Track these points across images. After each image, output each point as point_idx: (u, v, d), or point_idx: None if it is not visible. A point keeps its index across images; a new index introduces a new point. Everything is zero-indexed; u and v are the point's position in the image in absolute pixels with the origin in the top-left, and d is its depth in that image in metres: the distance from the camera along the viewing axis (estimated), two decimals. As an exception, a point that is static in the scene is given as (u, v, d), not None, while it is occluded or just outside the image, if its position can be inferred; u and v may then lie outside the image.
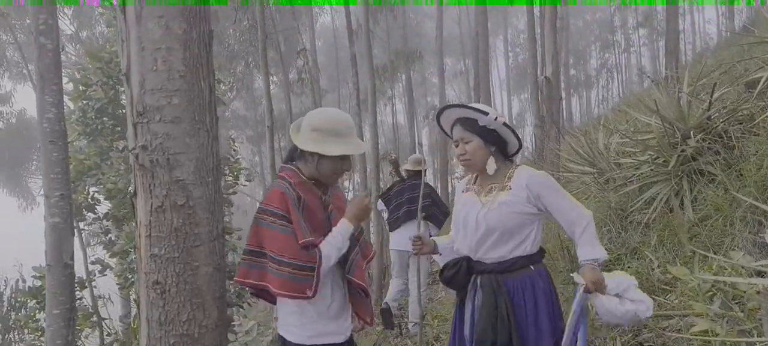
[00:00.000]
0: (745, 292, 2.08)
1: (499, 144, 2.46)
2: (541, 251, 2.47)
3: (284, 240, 2.23)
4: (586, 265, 2.24)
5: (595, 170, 4.98)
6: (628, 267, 3.89)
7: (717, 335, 2.02)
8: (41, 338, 6.07)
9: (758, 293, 1.99)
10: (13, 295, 9.93)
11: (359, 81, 10.05)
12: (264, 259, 2.31)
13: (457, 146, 2.52)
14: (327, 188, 2.46)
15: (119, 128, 6.20)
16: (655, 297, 3.37)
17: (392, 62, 15.84)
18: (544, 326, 2.31)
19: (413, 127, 20.71)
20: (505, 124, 2.41)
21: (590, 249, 2.26)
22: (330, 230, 2.34)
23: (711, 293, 2.16)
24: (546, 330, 2.30)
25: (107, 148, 6.23)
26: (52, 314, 4.40)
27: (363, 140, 2.44)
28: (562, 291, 4.35)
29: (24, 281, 10.01)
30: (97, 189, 5.83)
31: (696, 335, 2.14)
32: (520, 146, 2.53)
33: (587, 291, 2.18)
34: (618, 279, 2.27)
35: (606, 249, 4.17)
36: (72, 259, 4.54)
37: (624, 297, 2.24)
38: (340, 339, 2.37)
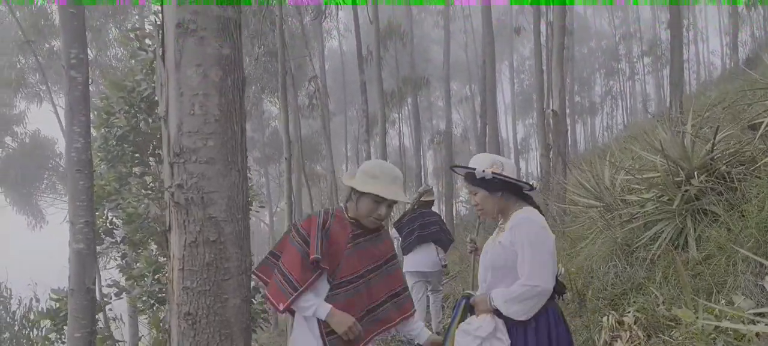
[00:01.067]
0: (745, 335, 2.21)
1: (505, 188, 2.55)
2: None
3: (294, 255, 2.48)
4: (490, 299, 2.47)
5: (601, 205, 5.12)
6: (634, 302, 4.01)
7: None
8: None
9: (757, 335, 2.12)
10: (26, 314, 10.07)
11: (368, 107, 10.30)
12: (277, 262, 2.61)
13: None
14: (376, 231, 2.62)
15: (138, 155, 6.39)
16: (660, 334, 3.49)
17: (400, 89, 16.13)
18: None
19: (419, 151, 20.92)
20: (497, 174, 2.51)
21: (503, 300, 2.41)
22: (353, 264, 2.53)
23: (713, 336, 2.29)
24: None
25: (126, 173, 6.41)
26: (73, 337, 4.53)
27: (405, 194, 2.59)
28: (569, 321, 4.46)
29: (37, 300, 10.16)
30: (115, 214, 6.00)
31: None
32: (530, 185, 2.62)
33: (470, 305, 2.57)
34: (486, 322, 2.48)
35: (612, 284, 4.30)
36: (94, 284, 4.70)
37: (486, 340, 2.44)
38: None
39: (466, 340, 2.54)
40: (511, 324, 2.49)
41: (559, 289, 2.58)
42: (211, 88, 2.62)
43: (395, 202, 2.54)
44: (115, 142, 6.04)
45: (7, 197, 18.97)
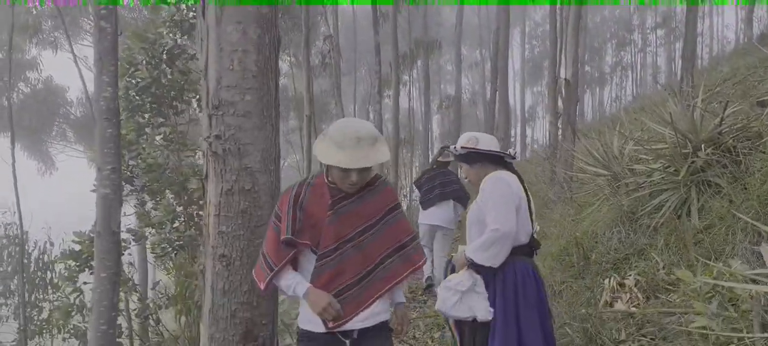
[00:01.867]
0: (740, 296, 2.40)
1: (482, 159, 2.96)
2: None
3: (271, 236, 2.38)
4: (464, 255, 2.81)
5: (609, 174, 5.28)
6: (635, 266, 4.21)
7: (713, 330, 2.34)
8: (78, 298, 6.47)
9: (751, 297, 2.31)
10: (41, 256, 10.39)
11: (381, 68, 10.38)
12: None
13: None
14: (369, 186, 2.41)
15: (155, 105, 6.54)
16: (659, 295, 3.70)
17: (411, 51, 16.12)
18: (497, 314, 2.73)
19: (428, 114, 20.97)
20: (467, 148, 2.96)
21: (473, 250, 2.76)
22: (337, 231, 2.33)
23: (710, 295, 2.48)
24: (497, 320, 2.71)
25: (144, 124, 6.58)
26: (99, 277, 4.77)
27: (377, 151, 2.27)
28: (570, 285, 4.68)
29: (52, 244, 10.47)
30: (135, 163, 6.19)
31: (695, 329, 2.47)
32: (507, 155, 2.97)
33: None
34: (465, 277, 2.80)
35: (615, 249, 4.49)
36: (119, 227, 4.91)
37: (466, 294, 2.78)
38: (318, 329, 2.36)
39: (447, 295, 2.84)
40: (484, 279, 2.80)
41: (533, 245, 2.90)
42: (249, 45, 2.77)
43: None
44: (135, 93, 6.19)
45: (18, 143, 19.23)
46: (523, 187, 2.89)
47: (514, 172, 2.95)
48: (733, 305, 2.45)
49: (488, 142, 2.97)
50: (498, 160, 2.96)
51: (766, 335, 1.98)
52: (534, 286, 2.80)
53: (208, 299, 2.91)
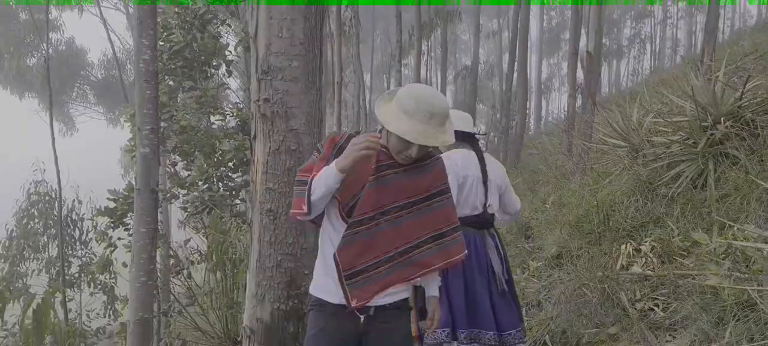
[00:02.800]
0: (752, 256, 2.58)
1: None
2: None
3: (305, 167, 2.23)
4: None
5: (628, 145, 5.42)
6: (651, 234, 4.39)
7: (724, 288, 2.54)
8: (111, 253, 6.78)
9: (764, 257, 2.49)
10: (70, 213, 10.80)
11: (401, 36, 10.47)
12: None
13: None
14: (420, 160, 2.20)
15: (186, 69, 6.73)
16: (674, 260, 3.89)
17: (431, 19, 16.15)
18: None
19: (445, 84, 21.00)
20: None
21: None
22: (373, 200, 2.16)
23: (724, 256, 2.67)
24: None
25: (175, 87, 6.79)
26: (139, 232, 5.05)
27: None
28: (588, 250, 4.88)
29: (80, 202, 10.87)
30: (167, 125, 6.43)
31: (708, 287, 2.67)
32: (474, 134, 3.26)
33: None
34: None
35: (632, 217, 4.67)
36: (157, 185, 5.17)
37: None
38: (332, 299, 2.20)
39: None
40: None
41: (484, 217, 3.13)
42: (297, 14, 2.95)
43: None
44: (168, 57, 6.39)
45: (41, 103, 19.62)
46: (481, 165, 3.15)
47: (477, 149, 3.21)
48: (746, 265, 2.64)
49: (460, 122, 3.15)
50: (466, 138, 3.18)
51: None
52: (473, 254, 3.02)
53: (256, 250, 3.15)
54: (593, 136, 6.92)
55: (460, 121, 3.20)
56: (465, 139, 3.18)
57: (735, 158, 4.18)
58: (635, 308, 3.52)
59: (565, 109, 9.77)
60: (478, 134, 3.25)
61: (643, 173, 4.92)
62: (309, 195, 2.09)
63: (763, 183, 2.97)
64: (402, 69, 9.89)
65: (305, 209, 2.10)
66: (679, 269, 3.52)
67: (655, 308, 3.45)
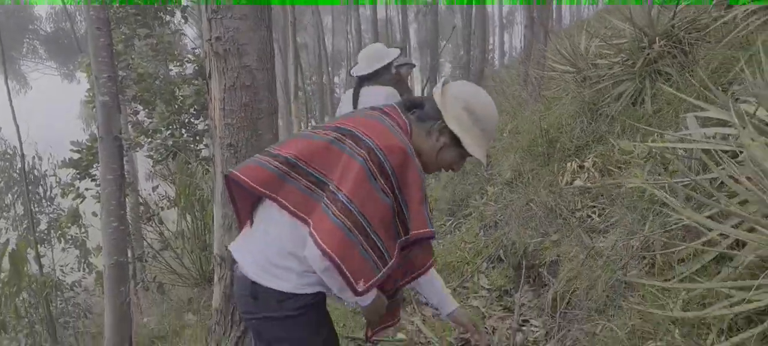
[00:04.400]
0: (669, 159, 2.88)
1: None
2: None
3: (382, 210, 1.66)
4: None
5: (575, 70, 5.68)
6: (594, 151, 4.71)
7: (644, 189, 2.84)
8: (80, 204, 6.85)
9: (677, 157, 2.79)
10: (32, 170, 10.69)
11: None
12: (322, 191, 1.70)
13: None
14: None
15: (140, 16, 6.66)
16: (613, 171, 4.21)
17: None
18: None
19: (406, 23, 20.91)
20: None
21: None
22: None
23: (646, 160, 2.96)
24: None
25: (130, 36, 6.73)
26: (106, 179, 5.16)
27: None
28: (538, 172, 5.19)
29: (40, 159, 10.76)
30: (125, 73, 6.41)
31: (633, 190, 2.97)
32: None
33: None
34: None
35: (578, 137, 4.96)
36: (120, 132, 5.25)
37: None
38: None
39: None
40: None
41: None
42: (242, -48, 3.03)
43: None
44: (117, 4, 6.31)
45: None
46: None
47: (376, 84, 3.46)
48: (664, 167, 2.94)
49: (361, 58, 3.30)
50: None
51: (686, 179, 2.46)
52: None
53: (219, 183, 3.32)
54: (546, 65, 7.16)
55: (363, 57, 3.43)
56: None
57: (668, 75, 4.47)
58: (575, 217, 3.85)
59: (522, 40, 9.96)
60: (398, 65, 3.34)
61: (587, 95, 5.20)
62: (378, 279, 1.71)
63: (687, 97, 3.25)
64: (358, 9, 9.85)
65: (361, 288, 1.66)
66: (615, 179, 3.84)
67: (593, 216, 3.78)
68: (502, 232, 4.87)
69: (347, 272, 1.61)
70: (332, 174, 1.69)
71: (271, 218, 1.80)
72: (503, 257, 4.67)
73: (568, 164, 4.67)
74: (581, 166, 4.57)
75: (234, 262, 1.92)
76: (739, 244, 2.18)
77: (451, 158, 1.87)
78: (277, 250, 1.76)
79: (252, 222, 1.90)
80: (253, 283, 1.77)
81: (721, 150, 2.28)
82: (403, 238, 1.76)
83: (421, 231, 1.73)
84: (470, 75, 15.15)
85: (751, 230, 1.99)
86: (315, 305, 1.84)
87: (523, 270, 4.06)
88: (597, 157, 4.53)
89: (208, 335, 3.69)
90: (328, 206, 1.64)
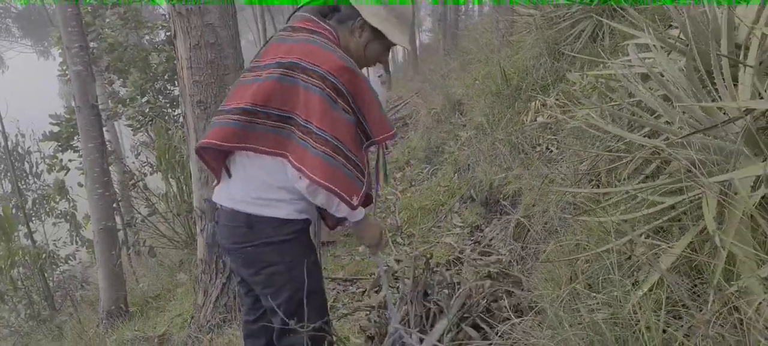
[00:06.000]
0: (615, 88, 3.07)
1: None
2: None
3: (344, 125, 1.85)
4: None
5: (538, 12, 5.82)
6: (557, 89, 4.89)
7: (588, 119, 3.05)
8: (65, 176, 6.98)
9: (621, 87, 2.99)
10: (15, 149, 10.74)
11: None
12: (290, 126, 1.86)
13: None
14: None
15: (107, -15, 6.68)
16: (569, 104, 4.41)
17: None
18: None
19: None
20: None
21: None
22: None
23: (592, 90, 3.16)
24: None
25: (97, 5, 6.74)
26: (87, 147, 5.30)
27: None
28: (505, 113, 5.38)
29: (23, 136, 10.80)
30: (96, 45, 6.45)
31: (581, 120, 3.17)
32: None
33: None
34: None
35: (542, 77, 5.13)
36: (97, 101, 5.36)
37: None
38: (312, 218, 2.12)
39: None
40: None
41: None
42: None
43: None
44: (85, -26, 6.32)
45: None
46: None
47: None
48: (609, 97, 3.14)
49: None
50: None
51: (631, 100, 2.66)
52: None
53: (192, 139, 3.49)
54: (513, 10, 7.27)
55: None
56: None
57: (623, 11, 4.63)
58: (535, 151, 4.06)
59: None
60: None
61: (549, 35, 5.35)
62: (361, 187, 1.93)
63: (633, 31, 3.42)
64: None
65: (355, 201, 1.90)
66: (569, 113, 4.04)
67: (551, 148, 4.00)
68: (473, 173, 5.09)
69: (341, 193, 1.83)
70: (295, 109, 1.83)
71: (248, 162, 1.93)
72: (474, 196, 4.90)
73: (532, 104, 4.86)
74: (544, 105, 4.77)
75: (216, 207, 2.06)
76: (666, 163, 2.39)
77: (377, 52, 2.03)
78: (263, 186, 1.91)
79: (229, 173, 2.02)
80: (248, 214, 1.91)
81: (651, 72, 2.47)
82: (366, 143, 1.98)
83: (385, 135, 1.97)
84: (446, 26, 15.18)
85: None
86: (304, 230, 2.02)
87: (490, 205, 4.29)
88: (558, 95, 4.72)
89: (196, 284, 3.92)
90: (303, 139, 1.82)
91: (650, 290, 1.50)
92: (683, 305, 1.52)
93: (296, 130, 1.84)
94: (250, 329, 2.25)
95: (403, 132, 9.84)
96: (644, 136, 2.46)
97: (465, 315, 2.66)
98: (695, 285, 1.56)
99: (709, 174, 1.44)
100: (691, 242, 1.53)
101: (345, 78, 1.83)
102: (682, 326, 1.46)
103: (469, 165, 5.59)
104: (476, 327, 2.63)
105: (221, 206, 2.03)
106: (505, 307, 2.64)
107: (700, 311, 1.47)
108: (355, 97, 1.88)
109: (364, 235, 2.08)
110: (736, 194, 1.36)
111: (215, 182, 2.14)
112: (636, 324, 1.53)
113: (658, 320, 1.43)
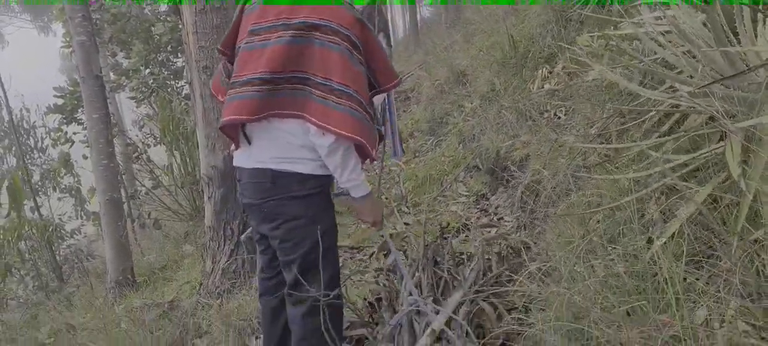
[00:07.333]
0: (626, 50, 3.03)
1: None
2: None
3: (359, 76, 1.89)
4: None
5: (546, -21, 5.73)
6: (564, 56, 4.84)
7: (603, 81, 3.02)
8: (69, 149, 6.97)
9: (630, 45, 2.95)
10: (20, 122, 10.71)
11: None
12: (308, 87, 1.86)
13: None
14: None
15: (107, -44, 6.59)
16: (578, 69, 4.37)
17: None
18: None
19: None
20: None
21: None
22: None
23: (604, 53, 3.12)
24: None
25: (100, -24, 6.68)
26: (92, 118, 5.27)
27: None
28: (512, 81, 5.34)
29: (28, 110, 10.77)
30: (99, 16, 6.38)
31: (593, 82, 3.14)
32: None
33: None
34: None
35: (548, 45, 5.08)
36: (100, 71, 5.32)
37: None
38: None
39: None
40: None
41: None
42: None
43: None
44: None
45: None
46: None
47: None
48: (621, 58, 3.10)
49: None
50: None
51: (649, 57, 2.63)
52: None
53: (199, 106, 3.47)
54: (519, -22, 7.17)
55: None
56: None
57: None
58: (543, 118, 4.03)
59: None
60: None
61: (557, 2, 5.28)
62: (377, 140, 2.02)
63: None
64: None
65: (375, 154, 1.99)
66: (579, 77, 4.00)
67: (560, 114, 3.96)
68: (478, 143, 5.06)
69: (368, 145, 1.89)
70: (312, 68, 1.84)
71: (270, 126, 1.93)
72: (480, 166, 4.88)
73: (539, 71, 4.82)
74: (551, 72, 4.72)
75: (238, 169, 2.08)
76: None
77: None
78: (286, 146, 1.92)
79: (249, 140, 2.00)
80: (272, 170, 1.94)
81: (665, 31, 2.43)
82: (372, 92, 2.02)
83: (393, 83, 2.06)
84: (450, -2, 15.00)
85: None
86: (327, 186, 2.05)
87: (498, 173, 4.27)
88: (566, 61, 4.67)
89: (204, 252, 3.93)
90: (323, 98, 1.83)
91: (671, 238, 1.49)
92: (704, 256, 1.51)
93: (314, 90, 1.85)
94: (266, 287, 2.26)
95: (405, 106, 9.80)
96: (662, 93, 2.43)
97: (479, 290, 2.64)
98: (716, 236, 1.55)
99: (733, 123, 1.41)
100: (711, 193, 1.52)
101: (357, 30, 1.86)
102: (702, 275, 1.45)
103: (474, 135, 5.56)
104: (491, 304, 2.60)
105: (242, 167, 2.04)
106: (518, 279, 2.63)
107: (721, 260, 1.46)
108: (367, 49, 1.91)
109: (366, 211, 2.10)
110: (760, 139, 1.34)
111: (224, 149, 2.14)
112: (654, 276, 1.52)
113: (679, 270, 1.42)
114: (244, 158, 2.04)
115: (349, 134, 1.81)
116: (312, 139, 1.87)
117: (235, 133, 2.01)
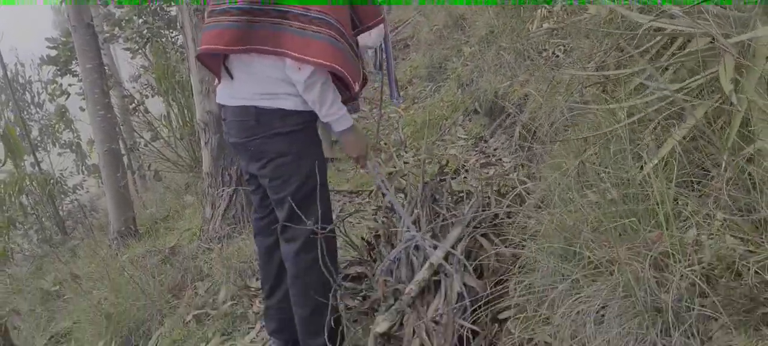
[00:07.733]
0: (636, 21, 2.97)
1: None
2: None
3: (346, 11, 1.91)
4: None
5: None
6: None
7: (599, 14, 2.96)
8: (65, 102, 6.94)
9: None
10: (15, 77, 10.64)
11: None
12: (287, 20, 1.84)
13: None
14: None
15: None
16: (580, 12, 4.29)
17: None
18: None
19: None
20: None
21: None
22: None
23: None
24: None
25: None
26: (86, 68, 5.22)
27: None
28: (513, 26, 5.24)
29: (22, 65, 10.68)
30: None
31: (591, 17, 3.08)
32: None
33: None
34: None
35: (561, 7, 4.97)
36: (92, 20, 5.23)
37: None
38: None
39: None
40: None
41: None
42: None
43: None
44: None
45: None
46: None
47: None
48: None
49: None
50: None
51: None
52: None
53: (192, 50, 3.43)
54: None
55: None
56: None
57: None
58: (542, 57, 3.99)
59: None
60: None
61: (557, -61, 5.14)
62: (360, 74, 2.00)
63: None
64: None
65: (358, 87, 1.98)
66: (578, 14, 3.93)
67: (558, 53, 3.91)
68: (477, 86, 5.02)
69: (348, 76, 1.86)
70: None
71: (251, 62, 1.91)
72: (478, 109, 4.86)
73: (538, 11, 4.72)
74: (550, 12, 4.63)
75: (222, 107, 2.07)
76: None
77: None
78: (268, 81, 1.90)
79: (231, 75, 1.98)
80: (255, 107, 1.92)
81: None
82: (356, 30, 1.99)
83: (375, 20, 2.01)
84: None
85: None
86: (311, 123, 2.02)
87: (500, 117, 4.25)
88: (565, 2, 4.58)
89: (203, 198, 3.95)
90: (303, 29, 1.80)
91: (662, 161, 1.49)
92: (696, 178, 1.51)
93: (294, 22, 1.81)
94: (260, 226, 2.28)
95: (404, 53, 9.67)
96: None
97: (476, 226, 2.65)
98: (708, 158, 1.55)
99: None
100: (706, 115, 1.51)
101: None
102: (694, 195, 1.46)
103: (472, 79, 5.51)
104: (487, 238, 2.63)
105: (226, 105, 2.03)
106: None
107: (712, 180, 1.46)
108: None
109: (350, 145, 2.08)
110: (754, 54, 1.32)
111: (217, 83, 2.11)
112: (647, 198, 1.53)
113: (669, 190, 1.43)
114: (226, 96, 2.03)
115: (329, 63, 1.79)
116: (288, 74, 1.85)
117: (216, 66, 1.99)
